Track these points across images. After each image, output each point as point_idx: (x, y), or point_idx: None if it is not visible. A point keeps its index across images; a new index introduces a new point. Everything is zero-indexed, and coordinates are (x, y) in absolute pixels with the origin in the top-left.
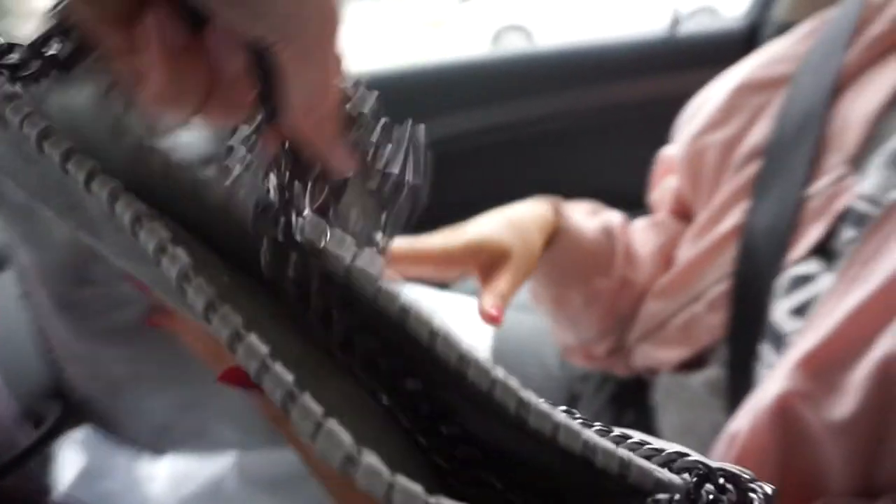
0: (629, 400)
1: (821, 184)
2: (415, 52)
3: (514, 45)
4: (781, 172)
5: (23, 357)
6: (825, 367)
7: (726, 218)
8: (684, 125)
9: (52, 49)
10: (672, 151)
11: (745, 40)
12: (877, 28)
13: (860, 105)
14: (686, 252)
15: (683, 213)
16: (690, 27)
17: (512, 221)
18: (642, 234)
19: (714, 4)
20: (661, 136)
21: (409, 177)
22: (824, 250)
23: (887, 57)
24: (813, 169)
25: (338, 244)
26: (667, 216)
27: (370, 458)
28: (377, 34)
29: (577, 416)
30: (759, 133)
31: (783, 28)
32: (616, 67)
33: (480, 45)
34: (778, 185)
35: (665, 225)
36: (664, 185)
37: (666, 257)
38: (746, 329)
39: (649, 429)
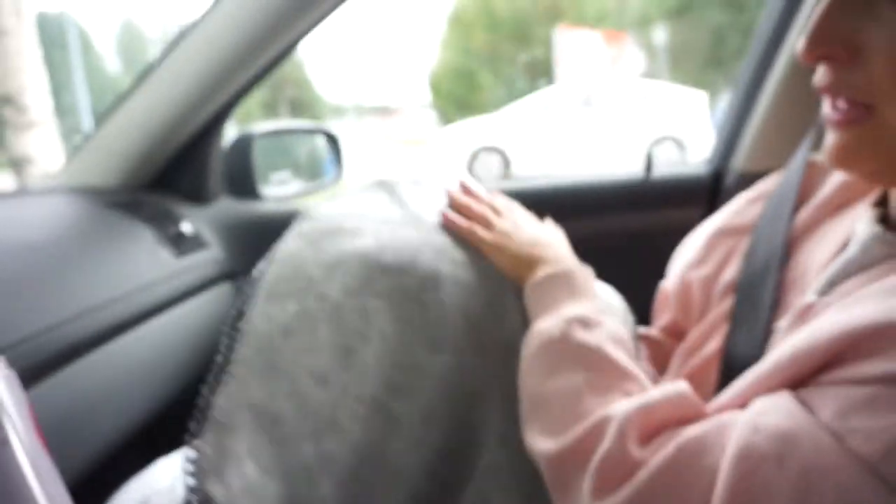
0: None
1: (787, 319)
2: (395, 170)
3: (491, 166)
4: (752, 307)
5: None
6: None
7: (710, 341)
8: (674, 264)
9: None
10: (666, 285)
11: (710, 184)
12: (826, 190)
13: (817, 255)
14: (675, 369)
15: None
16: (661, 162)
17: None
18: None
19: (677, 135)
20: (637, 267)
21: None
22: None
23: (840, 211)
24: (780, 305)
25: None
26: (665, 338)
27: None
28: (359, 152)
29: None
30: (732, 271)
31: (744, 174)
32: (595, 204)
33: (459, 164)
34: (749, 319)
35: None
36: (663, 317)
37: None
38: None
39: None
